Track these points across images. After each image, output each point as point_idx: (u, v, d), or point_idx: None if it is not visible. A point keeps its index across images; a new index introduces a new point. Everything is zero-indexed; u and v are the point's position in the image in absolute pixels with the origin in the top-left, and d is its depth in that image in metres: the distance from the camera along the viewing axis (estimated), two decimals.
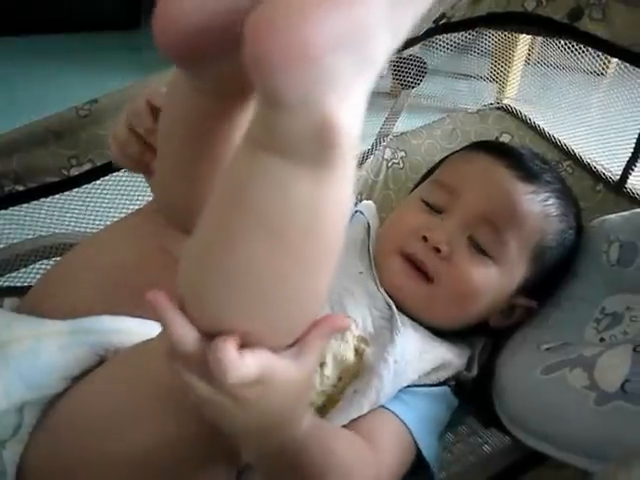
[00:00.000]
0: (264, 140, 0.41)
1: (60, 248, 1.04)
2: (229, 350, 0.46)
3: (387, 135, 1.30)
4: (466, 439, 0.93)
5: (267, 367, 0.49)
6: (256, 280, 0.46)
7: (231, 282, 0.46)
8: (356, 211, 1.09)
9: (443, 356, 0.91)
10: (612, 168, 1.17)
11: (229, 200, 0.45)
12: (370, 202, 1.14)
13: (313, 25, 0.35)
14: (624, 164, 1.13)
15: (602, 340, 0.88)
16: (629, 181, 1.13)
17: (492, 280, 0.91)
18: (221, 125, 0.59)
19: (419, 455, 0.83)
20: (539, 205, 0.93)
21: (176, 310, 0.48)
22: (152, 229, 0.75)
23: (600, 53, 1.11)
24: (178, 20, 0.43)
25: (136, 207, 1.01)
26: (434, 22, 1.06)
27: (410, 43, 1.06)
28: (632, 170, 1.12)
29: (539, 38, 1.30)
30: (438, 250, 0.90)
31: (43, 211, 1.02)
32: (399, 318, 0.89)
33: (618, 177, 1.14)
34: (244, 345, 0.47)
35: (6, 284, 1.04)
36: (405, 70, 1.22)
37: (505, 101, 1.37)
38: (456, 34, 1.18)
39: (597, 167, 1.18)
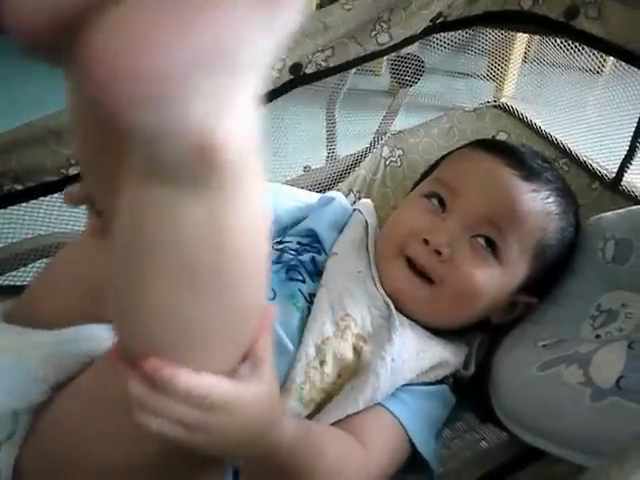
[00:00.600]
0: (145, 170, 0.39)
1: (59, 247, 1.04)
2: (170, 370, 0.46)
3: (385, 133, 1.30)
4: (463, 435, 0.93)
5: (220, 392, 0.49)
6: (176, 312, 0.44)
7: (151, 318, 0.45)
8: (354, 209, 1.09)
9: (440, 355, 0.91)
10: (608, 166, 1.17)
11: (127, 237, 0.43)
12: (368, 200, 1.14)
13: (155, 54, 0.31)
14: (620, 162, 1.14)
15: (598, 337, 0.88)
16: (625, 179, 1.13)
17: (494, 280, 0.91)
18: None
19: (417, 452, 0.84)
20: (540, 203, 0.94)
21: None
22: None
23: (596, 51, 1.11)
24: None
25: None
26: (431, 21, 1.06)
27: (408, 42, 1.06)
28: (627, 168, 1.13)
29: (536, 37, 1.31)
30: (439, 253, 0.90)
31: (42, 210, 1.01)
32: (397, 318, 0.89)
33: (614, 175, 1.15)
34: None
35: (6, 283, 1.04)
36: (403, 69, 1.22)
37: (502, 99, 1.38)
38: (453, 33, 1.19)
39: (593, 165, 1.19)
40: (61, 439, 0.63)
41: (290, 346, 0.83)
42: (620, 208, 1.02)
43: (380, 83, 1.89)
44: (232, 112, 0.36)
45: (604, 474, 0.47)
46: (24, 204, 0.96)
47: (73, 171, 0.92)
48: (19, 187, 0.91)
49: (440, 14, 1.07)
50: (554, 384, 0.82)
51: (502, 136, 1.31)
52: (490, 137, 1.31)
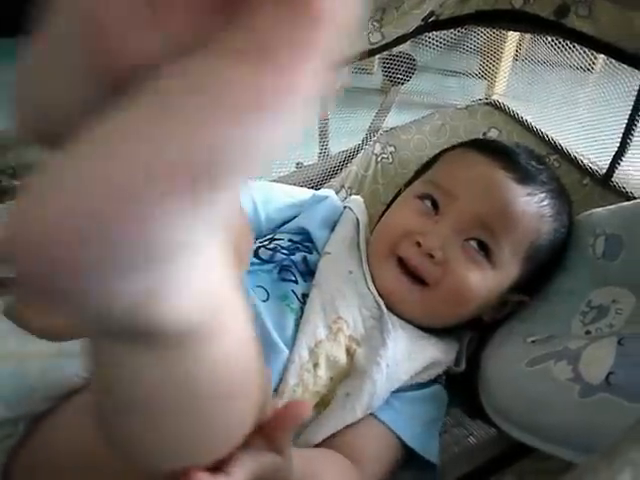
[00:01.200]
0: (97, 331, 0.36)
1: None
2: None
3: (377, 130, 1.30)
4: (451, 430, 0.93)
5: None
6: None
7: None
8: (345, 207, 1.08)
9: (432, 354, 0.91)
10: (600, 162, 1.17)
11: (98, 387, 0.42)
12: (359, 197, 1.14)
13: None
14: (611, 158, 1.14)
15: (588, 333, 0.88)
16: (616, 175, 1.14)
17: (487, 283, 0.92)
18: None
19: (420, 457, 0.84)
20: (535, 207, 0.93)
21: None
22: None
23: (587, 50, 1.12)
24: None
25: None
26: (423, 20, 1.06)
27: (400, 40, 1.07)
28: (618, 164, 1.13)
29: (527, 35, 1.32)
30: (432, 256, 0.90)
31: None
32: (389, 318, 0.89)
33: (605, 171, 1.15)
34: None
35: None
36: (395, 67, 1.22)
37: (494, 97, 1.38)
38: (445, 31, 1.19)
39: (584, 161, 1.19)
40: (58, 452, 0.62)
41: (284, 348, 0.83)
42: (611, 204, 1.02)
43: (372, 81, 1.89)
44: (169, 290, 0.31)
45: (592, 471, 0.46)
46: None
47: None
48: (17, 183, 0.92)
49: (432, 13, 1.07)
50: (543, 380, 0.82)
51: (493, 132, 1.31)
52: (482, 134, 1.31)
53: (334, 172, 1.27)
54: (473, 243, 0.91)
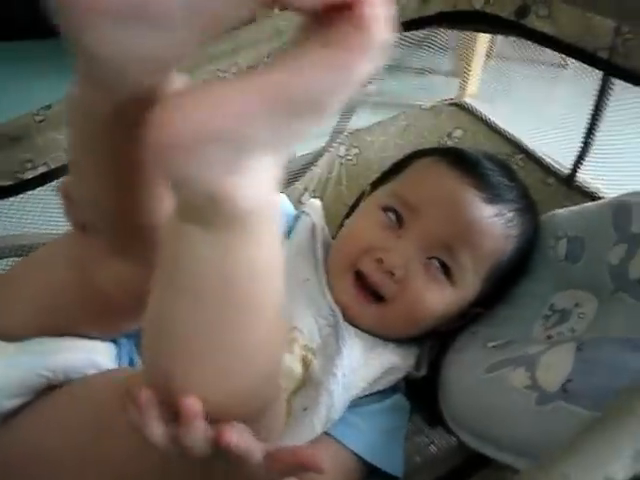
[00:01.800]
0: (178, 209, 0.46)
1: (32, 248, 1.03)
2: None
3: (342, 132, 1.29)
4: (412, 438, 0.91)
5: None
6: (193, 338, 0.49)
7: (175, 346, 0.50)
8: (302, 211, 1.07)
9: (390, 359, 0.90)
10: (565, 162, 1.16)
11: (160, 267, 0.49)
12: (317, 201, 1.12)
13: (184, 123, 0.40)
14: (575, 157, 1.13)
15: (549, 337, 0.87)
16: (580, 175, 1.12)
17: (445, 300, 0.91)
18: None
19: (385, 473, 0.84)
20: (501, 228, 0.92)
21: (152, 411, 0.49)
22: (78, 253, 0.67)
23: None
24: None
25: None
26: None
27: None
28: (581, 163, 1.12)
29: None
30: (393, 274, 0.89)
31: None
32: (344, 326, 0.89)
33: (569, 171, 1.14)
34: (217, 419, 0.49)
35: None
36: None
37: (466, 97, 1.37)
38: (415, 31, 1.18)
39: (548, 160, 1.18)
40: (27, 450, 0.64)
41: None
42: (575, 204, 1.01)
43: None
44: (243, 171, 0.43)
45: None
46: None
47: (28, 175, 0.93)
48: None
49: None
50: (499, 387, 0.81)
51: (458, 133, 1.29)
52: (447, 134, 1.30)
53: (298, 174, 1.26)
54: (435, 262, 0.90)
